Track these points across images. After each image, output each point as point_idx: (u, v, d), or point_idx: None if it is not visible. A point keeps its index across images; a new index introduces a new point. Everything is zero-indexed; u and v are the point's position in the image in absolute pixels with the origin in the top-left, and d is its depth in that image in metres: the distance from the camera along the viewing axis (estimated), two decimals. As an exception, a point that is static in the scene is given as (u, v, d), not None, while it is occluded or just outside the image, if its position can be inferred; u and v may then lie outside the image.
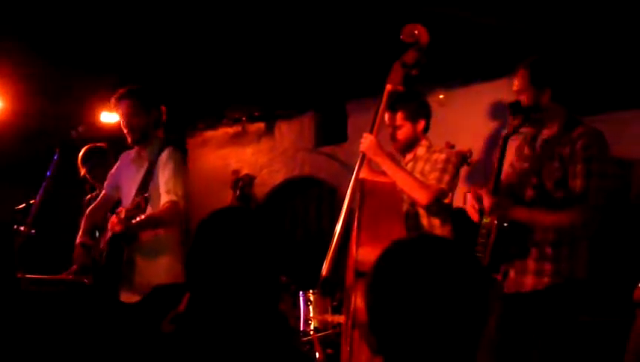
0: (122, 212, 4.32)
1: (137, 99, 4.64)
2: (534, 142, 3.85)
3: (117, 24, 5.72)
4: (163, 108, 4.77)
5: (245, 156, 8.68)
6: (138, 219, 4.30)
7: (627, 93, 5.78)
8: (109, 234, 4.51)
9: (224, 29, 5.87)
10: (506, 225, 3.63)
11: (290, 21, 5.67)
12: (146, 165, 4.61)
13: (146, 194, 4.41)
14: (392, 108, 4.47)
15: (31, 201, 4.99)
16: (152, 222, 4.52)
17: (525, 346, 3.67)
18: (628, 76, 5.69)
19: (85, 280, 4.72)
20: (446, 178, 4.34)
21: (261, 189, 8.28)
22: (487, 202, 3.66)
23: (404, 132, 4.52)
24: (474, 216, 3.82)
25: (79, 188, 5.07)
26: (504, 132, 3.75)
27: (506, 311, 3.76)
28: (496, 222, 3.65)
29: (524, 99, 3.76)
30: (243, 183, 7.01)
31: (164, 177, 4.53)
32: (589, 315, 5.12)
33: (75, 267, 4.76)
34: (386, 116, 4.49)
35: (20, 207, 5.50)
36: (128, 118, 4.62)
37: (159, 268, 4.57)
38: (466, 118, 6.46)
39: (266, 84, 7.29)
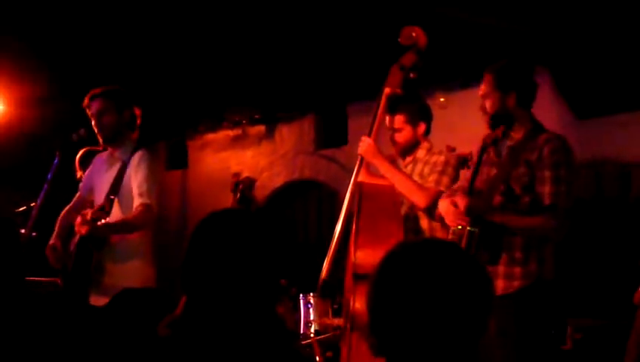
0: (87, 213, 4.31)
1: (109, 98, 4.62)
2: (500, 147, 3.86)
3: (118, 28, 5.73)
4: (138, 111, 4.75)
5: (245, 159, 8.68)
6: (103, 221, 4.29)
7: (627, 95, 5.78)
8: (78, 236, 4.50)
9: (225, 32, 5.87)
10: (476, 230, 3.64)
11: (291, 24, 5.68)
12: (118, 166, 4.58)
13: (112, 196, 4.39)
14: (392, 110, 4.46)
15: (31, 204, 4.98)
16: (124, 227, 4.50)
17: (498, 348, 3.68)
18: (627, 79, 5.70)
19: (58, 281, 4.70)
20: (445, 180, 4.33)
21: (261, 192, 8.27)
22: (462, 203, 3.67)
23: (404, 135, 4.51)
24: (451, 220, 3.82)
25: (78, 191, 5.07)
26: (485, 141, 3.75)
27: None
28: (467, 228, 3.66)
29: (488, 103, 3.78)
30: (243, 186, 6.99)
31: (137, 180, 4.50)
32: (588, 317, 5.14)
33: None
34: (386, 119, 4.49)
35: (21, 209, 5.50)
36: (98, 116, 4.61)
37: (129, 272, 4.53)
38: (465, 120, 6.43)
39: (266, 86, 7.29)
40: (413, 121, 4.49)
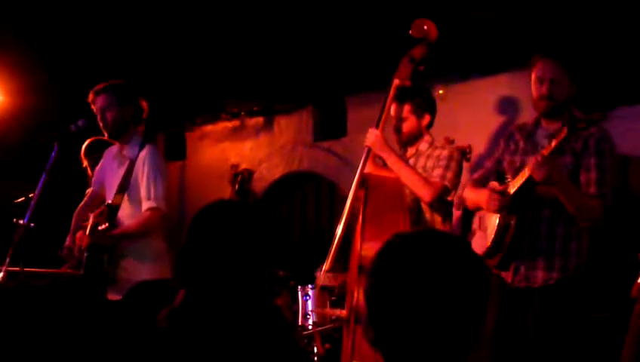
0: (87, 227, 4.36)
1: (112, 93, 4.64)
2: (533, 136, 3.86)
3: (116, 18, 5.71)
4: (144, 104, 4.75)
5: (244, 151, 8.67)
6: (103, 226, 4.30)
7: (626, 89, 5.77)
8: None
9: (223, 24, 5.86)
10: (512, 223, 3.66)
11: (289, 15, 5.67)
12: (126, 163, 4.59)
13: (109, 202, 4.42)
14: (400, 99, 4.48)
15: (30, 195, 4.99)
16: (134, 234, 4.54)
17: (528, 338, 3.70)
18: (626, 73, 5.69)
19: (76, 273, 4.73)
20: (449, 175, 4.35)
21: (259, 184, 8.27)
22: (542, 172, 3.61)
23: (408, 125, 4.53)
24: (494, 206, 3.83)
25: (78, 181, 5.07)
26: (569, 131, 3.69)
27: (515, 304, 3.80)
28: (513, 221, 3.68)
29: (558, 89, 3.77)
30: (241, 178, 7.02)
31: (144, 181, 4.52)
32: (591, 311, 5.15)
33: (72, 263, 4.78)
34: (393, 108, 4.50)
35: (19, 200, 5.50)
36: (102, 112, 4.62)
37: (142, 267, 4.56)
38: (464, 113, 6.45)
39: (264, 78, 7.28)
40: (418, 112, 4.51)
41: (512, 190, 3.80)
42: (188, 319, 2.12)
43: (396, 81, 4.35)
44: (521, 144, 3.93)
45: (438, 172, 4.35)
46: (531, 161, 3.70)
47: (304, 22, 5.80)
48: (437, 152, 4.45)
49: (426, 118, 4.53)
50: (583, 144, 3.70)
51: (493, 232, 3.77)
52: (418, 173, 4.34)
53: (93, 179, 5.00)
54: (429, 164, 4.43)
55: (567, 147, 3.70)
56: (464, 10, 5.38)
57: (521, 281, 3.76)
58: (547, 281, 3.72)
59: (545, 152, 3.67)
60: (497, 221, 3.79)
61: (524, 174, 3.73)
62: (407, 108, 4.51)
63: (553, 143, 3.63)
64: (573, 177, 3.71)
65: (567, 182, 3.71)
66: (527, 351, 3.73)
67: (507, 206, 3.77)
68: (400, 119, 4.51)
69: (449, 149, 4.48)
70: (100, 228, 4.32)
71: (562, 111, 3.79)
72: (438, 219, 4.39)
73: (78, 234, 4.46)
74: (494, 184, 3.95)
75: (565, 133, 3.60)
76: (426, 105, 4.55)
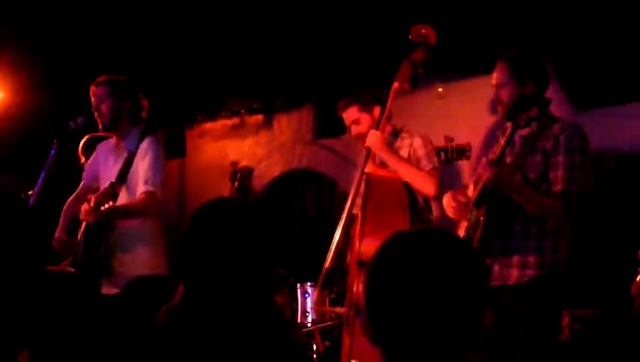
0: (92, 199, 4.32)
1: (109, 85, 4.63)
2: (512, 137, 3.87)
3: (116, 16, 5.72)
4: (145, 102, 4.75)
5: (244, 148, 8.67)
6: (107, 206, 4.27)
7: (625, 87, 5.78)
8: (84, 225, 4.51)
9: (224, 21, 5.87)
10: (482, 219, 3.66)
11: (290, 13, 5.67)
12: (124, 156, 4.58)
13: (118, 184, 4.39)
14: (344, 106, 4.55)
15: (29, 192, 4.98)
16: (126, 211, 4.50)
17: (507, 336, 3.70)
18: (626, 70, 5.69)
19: (71, 270, 4.71)
20: (434, 159, 4.40)
21: (259, 181, 8.27)
22: (487, 173, 3.62)
23: (364, 126, 4.56)
24: (452, 213, 3.86)
25: (77, 179, 5.06)
26: (518, 123, 3.72)
27: (490, 302, 3.79)
28: (482, 217, 3.67)
29: (504, 93, 3.78)
30: (241, 175, 7.01)
31: (144, 167, 4.51)
32: (584, 308, 5.16)
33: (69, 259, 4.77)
34: (343, 117, 4.55)
35: (18, 197, 5.48)
36: (98, 102, 4.62)
37: (139, 261, 4.53)
38: (464, 111, 6.45)
39: (265, 76, 7.29)
40: (367, 108, 4.54)
41: (475, 193, 3.80)
42: (187, 316, 2.12)
43: (396, 84, 4.38)
44: (501, 143, 3.94)
45: (424, 163, 4.38)
46: (481, 162, 3.73)
47: (304, 20, 5.80)
48: (406, 142, 4.48)
49: (377, 110, 4.53)
50: (554, 142, 3.69)
51: (464, 229, 3.78)
52: (418, 169, 4.36)
53: (84, 173, 4.98)
54: (403, 153, 4.45)
55: (538, 145, 3.69)
56: (465, 8, 5.39)
57: (495, 279, 3.76)
58: (521, 279, 3.71)
59: (493, 155, 3.70)
60: (469, 218, 3.80)
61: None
62: (354, 110, 4.55)
63: (502, 141, 3.68)
64: (543, 176, 3.71)
65: (516, 182, 3.69)
66: (504, 348, 3.72)
67: (465, 211, 3.80)
68: (353, 123, 4.56)
69: (419, 136, 4.49)
70: (102, 208, 4.29)
71: (516, 113, 3.77)
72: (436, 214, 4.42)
73: (84, 207, 4.41)
74: (472, 187, 3.95)
75: (510, 129, 3.66)
76: (370, 98, 4.57)
